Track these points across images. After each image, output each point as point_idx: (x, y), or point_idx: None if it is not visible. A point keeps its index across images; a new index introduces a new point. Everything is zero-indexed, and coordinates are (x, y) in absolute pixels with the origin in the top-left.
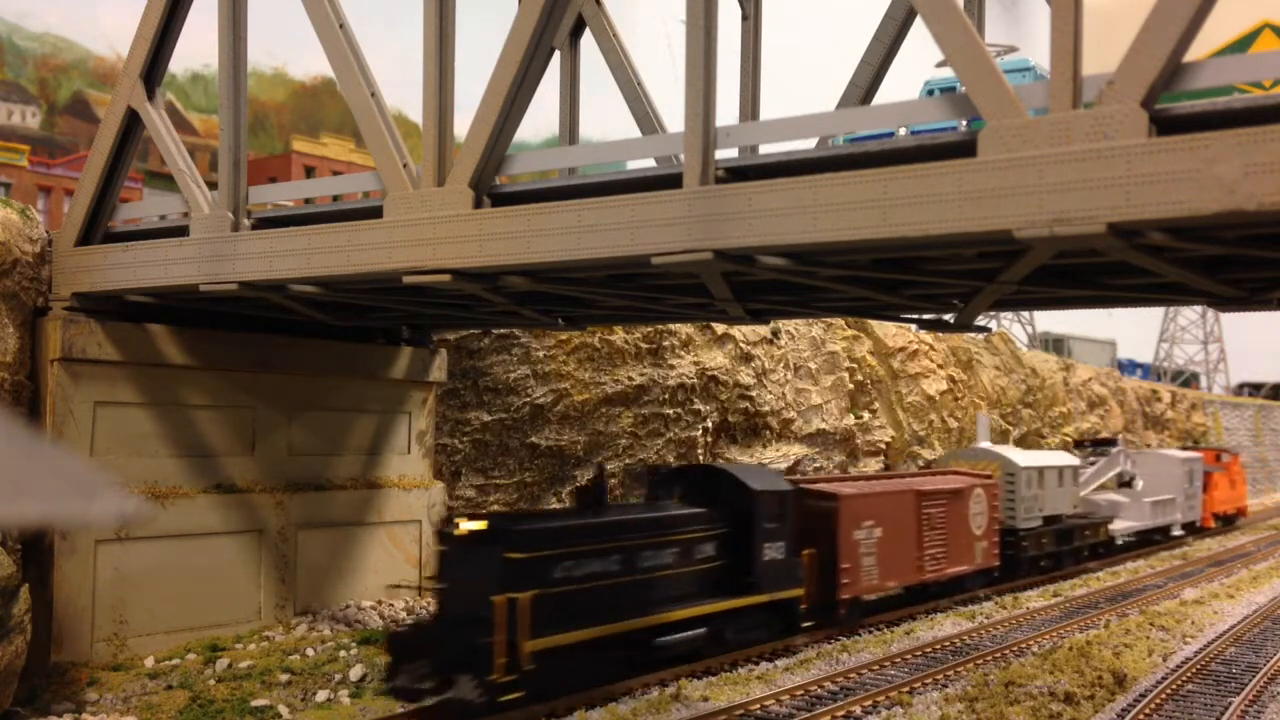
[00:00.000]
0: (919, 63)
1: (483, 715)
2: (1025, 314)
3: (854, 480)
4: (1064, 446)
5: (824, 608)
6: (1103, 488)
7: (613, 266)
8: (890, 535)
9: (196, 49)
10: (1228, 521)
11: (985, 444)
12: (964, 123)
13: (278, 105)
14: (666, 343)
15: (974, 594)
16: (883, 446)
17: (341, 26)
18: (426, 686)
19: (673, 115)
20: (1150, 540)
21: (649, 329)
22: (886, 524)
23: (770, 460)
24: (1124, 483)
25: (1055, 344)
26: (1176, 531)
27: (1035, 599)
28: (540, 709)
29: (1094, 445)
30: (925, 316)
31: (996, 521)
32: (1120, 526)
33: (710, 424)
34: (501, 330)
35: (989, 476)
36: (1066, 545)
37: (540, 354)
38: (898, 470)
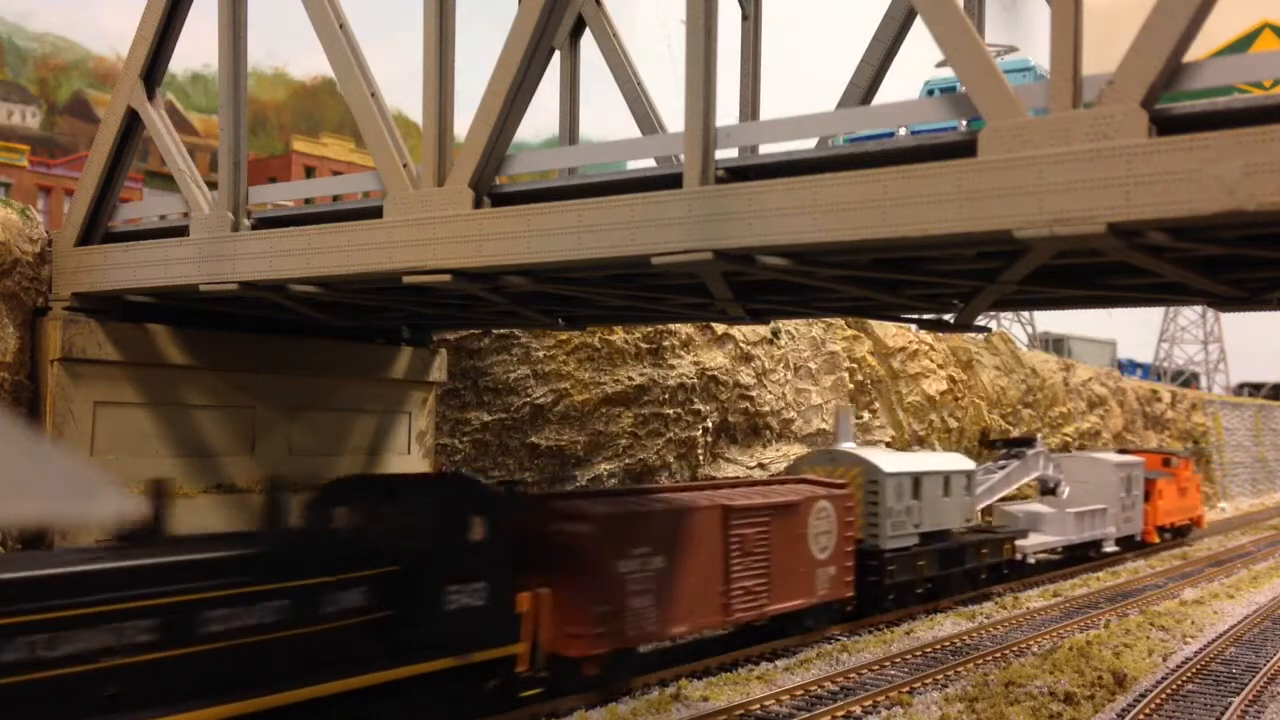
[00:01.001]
0: (919, 63)
1: None
2: (1025, 314)
3: (634, 494)
4: (990, 446)
5: (563, 665)
6: (1022, 497)
7: (613, 266)
8: (679, 565)
9: (196, 49)
10: (1178, 535)
11: (848, 445)
12: (964, 123)
13: (278, 105)
14: (666, 343)
15: (824, 633)
16: (883, 446)
17: (341, 26)
18: None
19: (673, 115)
20: (1079, 558)
21: (649, 329)
22: (672, 551)
23: (770, 460)
24: (1047, 490)
25: (1055, 344)
26: (1109, 548)
27: (1035, 599)
28: (541, 709)
29: (1007, 445)
30: (925, 316)
31: (851, 541)
32: (1034, 543)
33: (710, 424)
34: (501, 330)
35: (840, 486)
36: (955, 567)
37: (540, 354)
38: (717, 480)
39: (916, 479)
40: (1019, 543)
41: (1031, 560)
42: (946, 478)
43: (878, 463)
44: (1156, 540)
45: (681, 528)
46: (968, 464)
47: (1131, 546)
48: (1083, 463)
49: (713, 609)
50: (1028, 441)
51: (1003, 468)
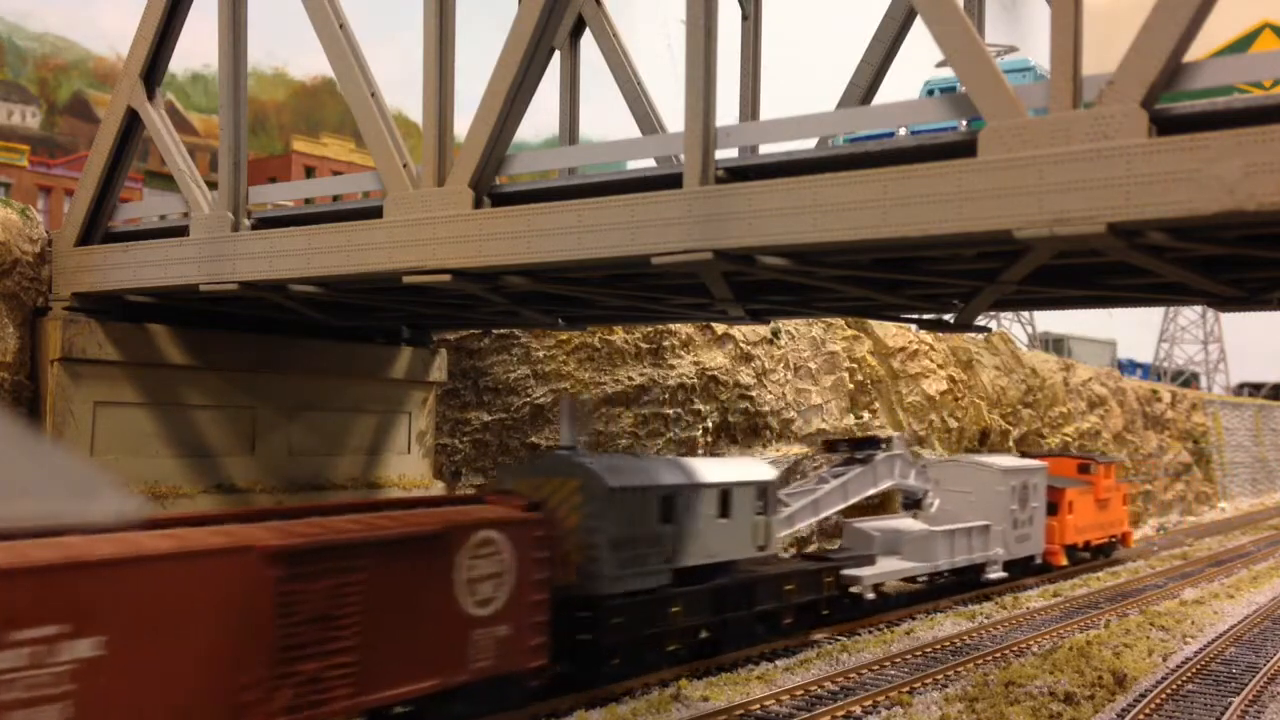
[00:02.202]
0: (919, 63)
1: None
2: (1025, 314)
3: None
4: (829, 449)
5: None
6: (883, 512)
7: (613, 266)
8: (142, 656)
9: (196, 49)
10: (1100, 554)
11: (571, 449)
12: (964, 123)
13: (278, 105)
14: (666, 343)
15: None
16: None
17: (341, 26)
18: None
19: (673, 115)
20: (957, 586)
21: (649, 329)
22: (131, 635)
23: (770, 460)
24: (912, 503)
25: (1055, 344)
26: (995, 574)
27: (1035, 599)
28: (541, 708)
29: (853, 446)
30: (925, 316)
31: (542, 587)
32: (877, 572)
33: (710, 424)
34: (501, 330)
35: (527, 510)
36: (738, 611)
37: (540, 354)
38: (321, 504)
39: (668, 495)
40: (854, 573)
41: (870, 595)
42: (725, 492)
43: (601, 473)
44: (1063, 563)
45: (144, 593)
46: (762, 473)
47: (1029, 571)
48: (963, 469)
49: (218, 712)
50: (874, 443)
51: (839, 476)
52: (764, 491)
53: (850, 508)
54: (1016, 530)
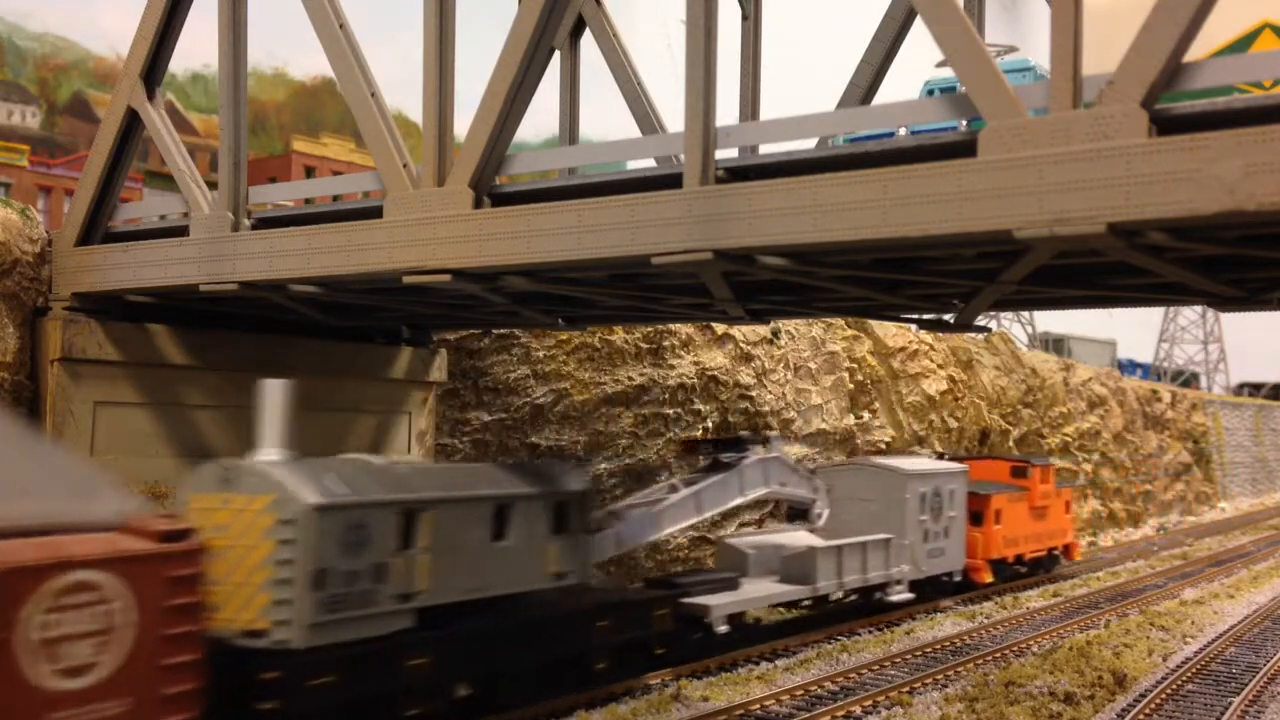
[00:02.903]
0: (919, 63)
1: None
2: (1025, 314)
3: None
4: (690, 451)
5: None
6: (761, 523)
7: (613, 266)
8: None
9: (196, 49)
10: (1038, 569)
11: (268, 454)
12: (964, 123)
13: (278, 105)
14: (666, 343)
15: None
16: (883, 446)
17: (341, 26)
18: None
19: (673, 115)
20: (850, 611)
21: (649, 329)
22: None
23: None
24: (797, 514)
25: (1055, 344)
26: (898, 595)
27: (1035, 599)
28: (540, 709)
29: (718, 447)
30: (925, 316)
31: (187, 644)
32: (729, 600)
33: (710, 424)
34: (501, 330)
35: (165, 540)
36: (521, 658)
37: (540, 354)
38: None
39: (408, 513)
40: (700, 602)
41: (723, 629)
42: (500, 507)
43: (299, 487)
44: (989, 580)
45: None
46: (565, 482)
47: (945, 591)
48: (862, 474)
49: None
50: (742, 442)
51: (691, 483)
52: (564, 506)
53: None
54: (928, 544)
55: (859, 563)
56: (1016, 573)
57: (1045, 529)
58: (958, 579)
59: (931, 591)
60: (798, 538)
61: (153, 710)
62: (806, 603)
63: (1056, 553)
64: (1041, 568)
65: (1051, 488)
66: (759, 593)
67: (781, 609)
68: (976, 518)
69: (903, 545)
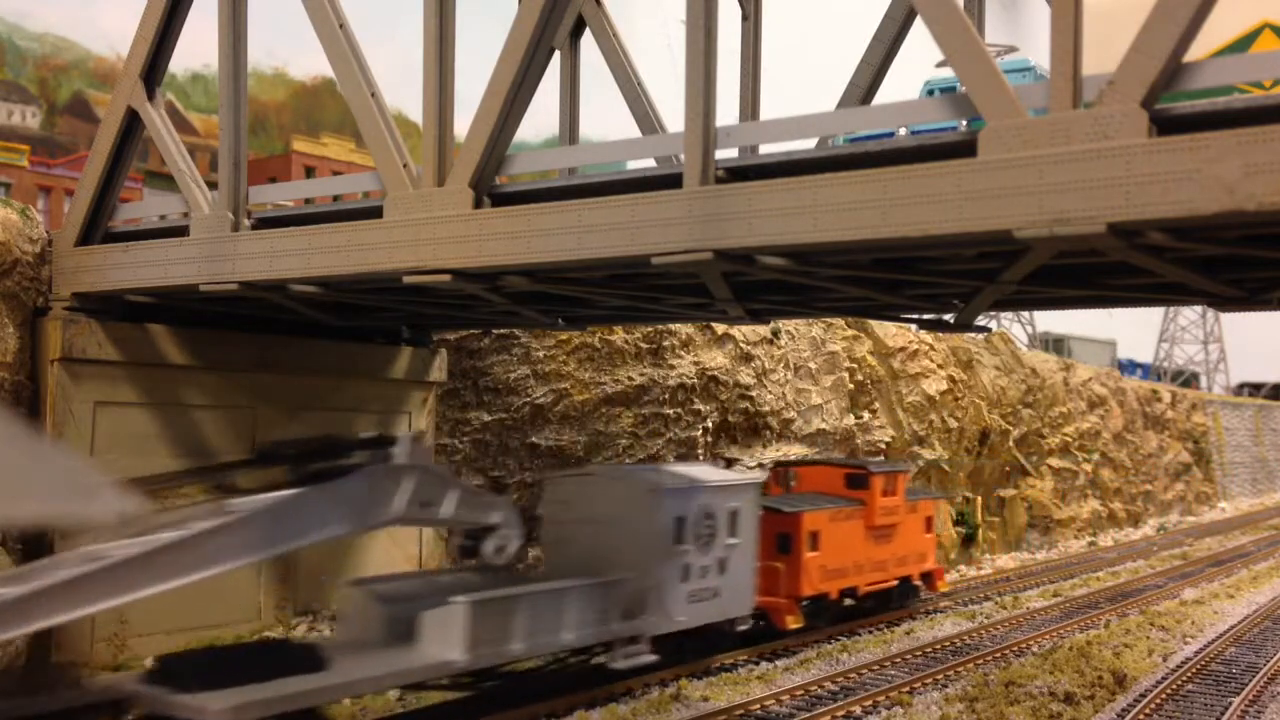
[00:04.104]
0: (919, 63)
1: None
2: (1025, 314)
3: None
4: (267, 460)
5: None
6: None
7: (613, 266)
8: None
9: (196, 49)
10: (885, 604)
11: None
12: (964, 123)
13: (278, 105)
14: (666, 343)
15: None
16: (883, 446)
17: (341, 26)
18: None
19: (673, 115)
20: (542, 686)
21: (649, 329)
22: None
23: (770, 460)
24: (468, 550)
25: (1055, 344)
26: (628, 661)
27: (1035, 599)
28: (541, 708)
29: (307, 456)
30: (925, 316)
31: None
32: (245, 700)
33: (710, 424)
34: (501, 330)
35: None
36: None
37: (540, 354)
38: None
39: None
40: (202, 704)
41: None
42: None
43: None
44: (796, 625)
45: None
46: None
47: (720, 644)
48: (593, 487)
49: None
50: (343, 448)
51: (237, 511)
52: None
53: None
54: (689, 583)
55: (553, 618)
56: (847, 611)
57: (892, 554)
58: (744, 626)
59: (700, 646)
60: (452, 580)
61: None
62: (447, 679)
63: (914, 583)
64: (890, 602)
65: (901, 500)
66: (350, 674)
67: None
68: (783, 543)
69: (642, 587)
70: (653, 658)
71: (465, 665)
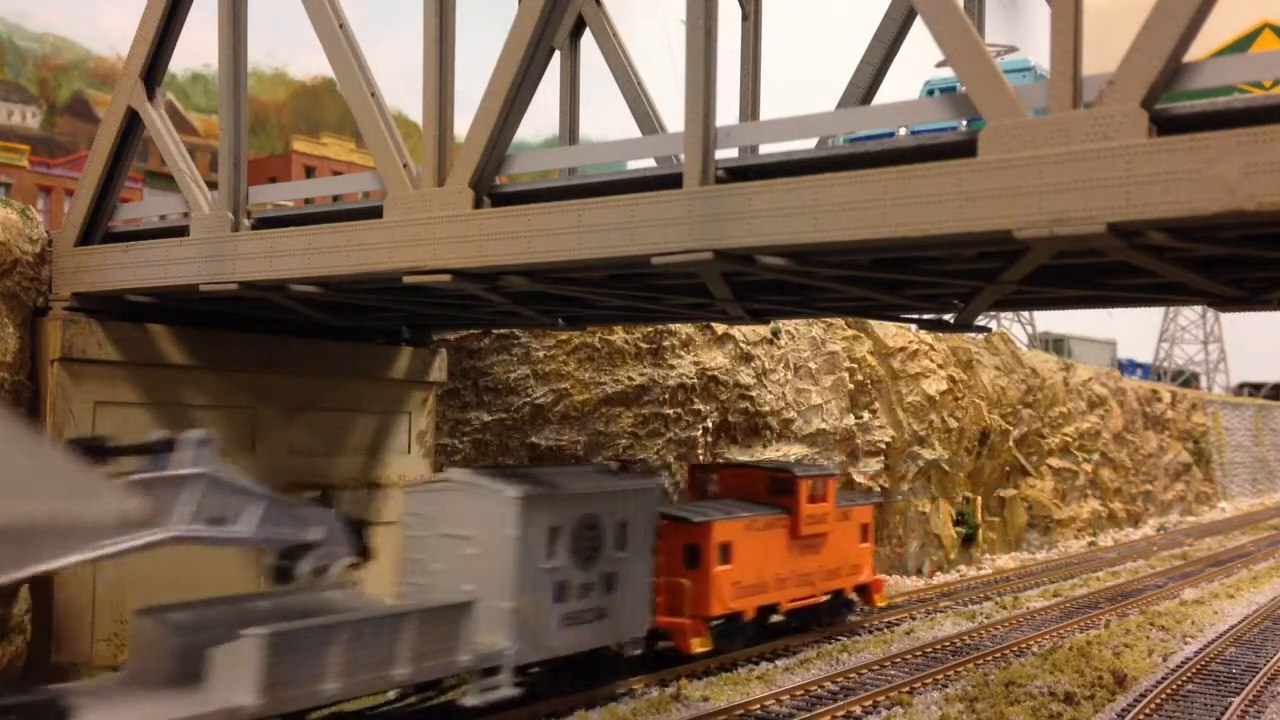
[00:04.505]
0: (919, 63)
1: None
2: (1025, 314)
3: None
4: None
5: None
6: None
7: (613, 266)
8: None
9: (196, 49)
10: (814, 620)
11: None
12: (964, 123)
13: (278, 105)
14: (666, 343)
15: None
16: (883, 446)
17: (341, 27)
18: None
19: (673, 115)
20: None
21: (649, 329)
22: None
23: (770, 460)
24: (281, 571)
25: (1055, 344)
26: (481, 696)
27: (1035, 599)
28: (541, 708)
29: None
30: (925, 316)
31: None
32: None
33: (710, 424)
34: (501, 330)
35: None
36: None
37: (540, 354)
38: None
39: None
40: None
41: None
42: None
43: None
44: (703, 647)
45: None
46: None
47: (614, 674)
48: (452, 496)
49: None
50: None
51: None
52: None
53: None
54: (566, 603)
55: (378, 650)
56: (769, 630)
57: (821, 566)
58: (636, 651)
59: (582, 675)
60: (352, 598)
61: None
62: None
63: (848, 597)
64: (820, 619)
65: (831, 507)
66: None
67: None
68: (692, 557)
69: (501, 609)
70: (514, 692)
71: (258, 711)
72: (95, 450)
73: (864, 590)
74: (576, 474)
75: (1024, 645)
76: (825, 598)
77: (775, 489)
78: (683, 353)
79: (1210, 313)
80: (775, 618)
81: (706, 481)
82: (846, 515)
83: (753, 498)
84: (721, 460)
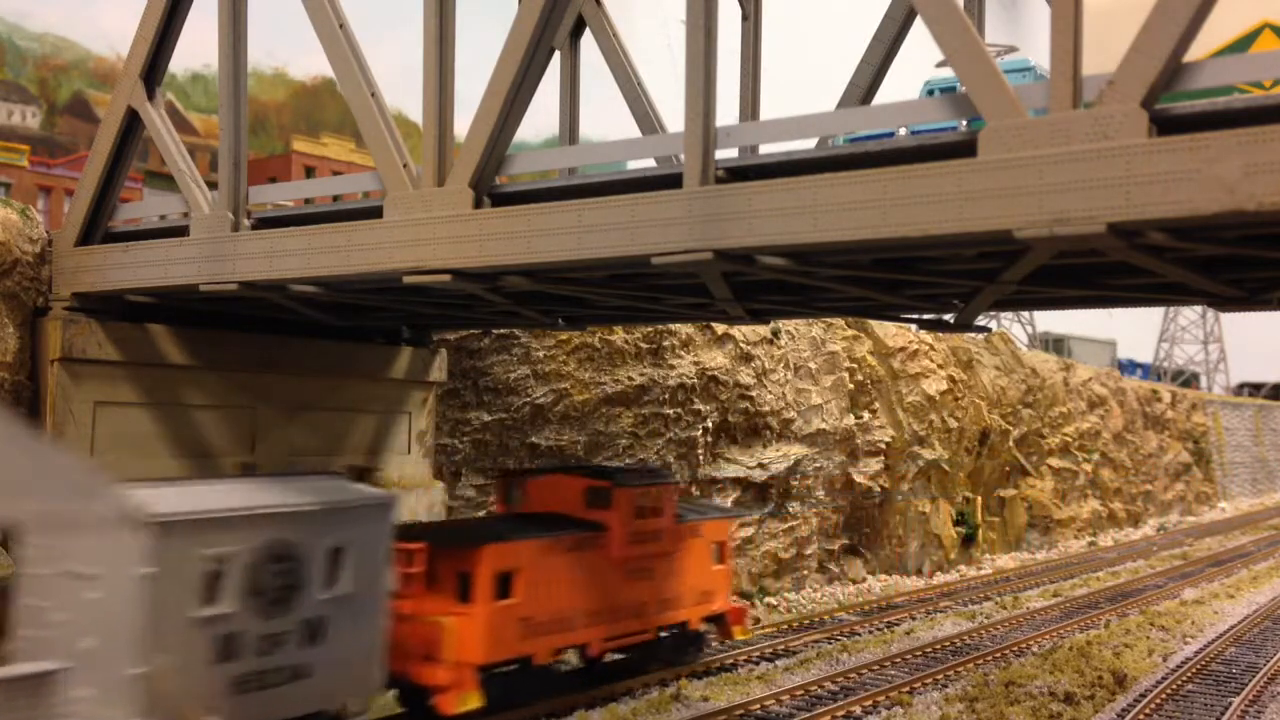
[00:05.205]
0: (919, 63)
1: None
2: (1025, 314)
3: None
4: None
5: None
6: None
7: (613, 266)
8: None
9: (196, 49)
10: (651, 658)
11: None
12: (964, 123)
13: (278, 105)
14: (666, 343)
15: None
16: (883, 446)
17: (341, 27)
18: None
19: (673, 115)
20: None
21: (649, 329)
22: None
23: (770, 460)
24: None
25: (1055, 344)
26: None
27: (1035, 599)
28: (541, 708)
29: None
30: (925, 316)
31: None
32: None
33: (710, 424)
34: (501, 330)
35: None
36: None
37: (540, 354)
38: None
39: None
40: None
41: None
42: None
43: None
44: (465, 705)
45: None
46: None
47: None
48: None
49: None
50: None
51: None
52: None
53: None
54: (239, 662)
55: None
56: (582, 676)
57: (655, 595)
58: (360, 713)
59: None
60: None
61: None
62: None
63: (695, 630)
64: (656, 658)
65: (668, 522)
66: None
67: None
68: (463, 587)
69: (121, 679)
70: None
71: None
72: None
73: (720, 620)
74: (269, 486)
75: (1024, 645)
76: (663, 634)
77: (593, 501)
78: (683, 353)
79: (1210, 313)
80: (614, 656)
81: (512, 490)
82: (694, 532)
83: (570, 511)
84: (537, 465)
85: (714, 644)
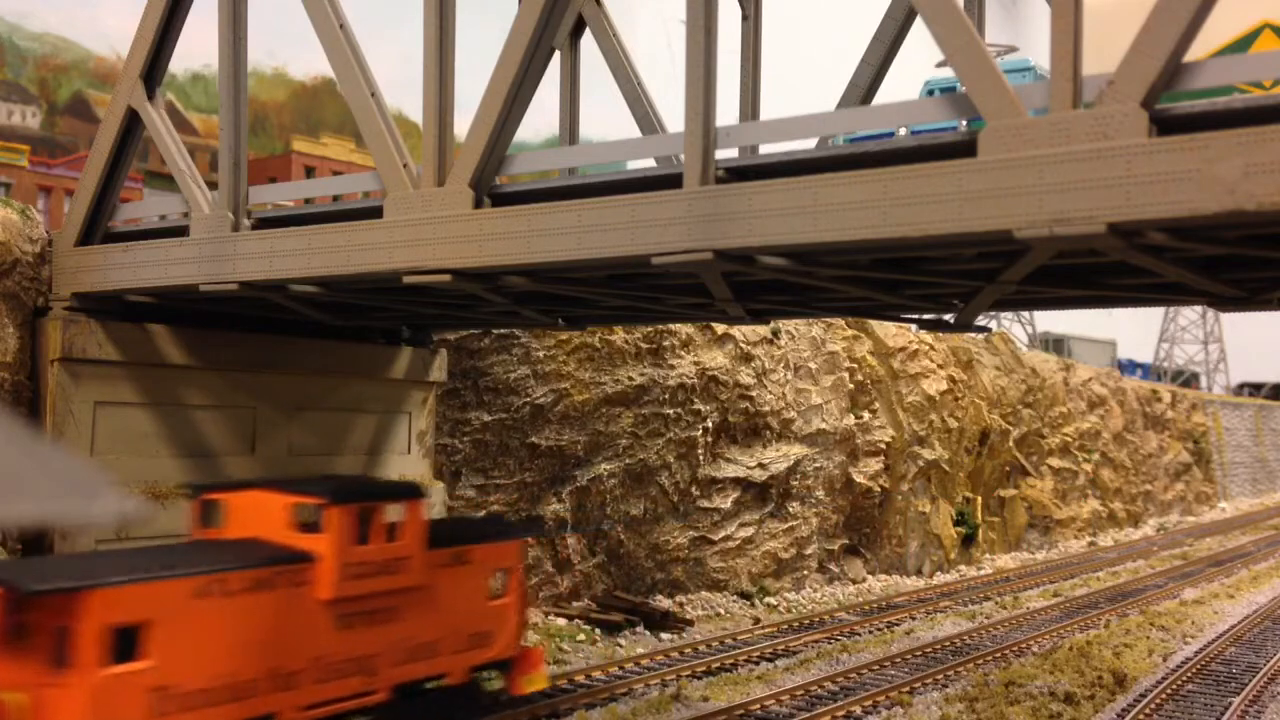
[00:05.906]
0: (919, 63)
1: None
2: (1025, 314)
3: None
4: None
5: None
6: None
7: (613, 266)
8: None
9: (196, 49)
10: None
11: None
12: (964, 123)
13: (278, 105)
14: (666, 343)
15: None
16: (883, 446)
17: (341, 26)
18: None
19: (673, 115)
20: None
21: (649, 329)
22: None
23: (770, 460)
24: None
25: (1055, 344)
26: None
27: (1035, 599)
28: (541, 708)
29: None
30: (925, 316)
31: None
32: None
33: (710, 424)
34: (501, 330)
35: None
36: None
37: (540, 354)
38: None
39: None
40: None
41: None
42: None
43: None
44: None
45: None
46: None
47: None
48: None
49: None
50: None
51: None
52: None
53: None
54: None
55: None
56: None
57: (399, 643)
58: None
59: None
60: None
61: None
62: None
63: (460, 683)
64: (415, 714)
65: (417, 548)
66: None
67: None
68: (59, 647)
69: None
70: None
71: None
72: None
73: (503, 668)
74: None
75: (1024, 645)
76: (390, 696)
77: (301, 523)
78: (683, 353)
79: (1210, 313)
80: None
81: (212, 512)
82: (459, 559)
83: (274, 536)
84: (241, 480)
85: (714, 644)
